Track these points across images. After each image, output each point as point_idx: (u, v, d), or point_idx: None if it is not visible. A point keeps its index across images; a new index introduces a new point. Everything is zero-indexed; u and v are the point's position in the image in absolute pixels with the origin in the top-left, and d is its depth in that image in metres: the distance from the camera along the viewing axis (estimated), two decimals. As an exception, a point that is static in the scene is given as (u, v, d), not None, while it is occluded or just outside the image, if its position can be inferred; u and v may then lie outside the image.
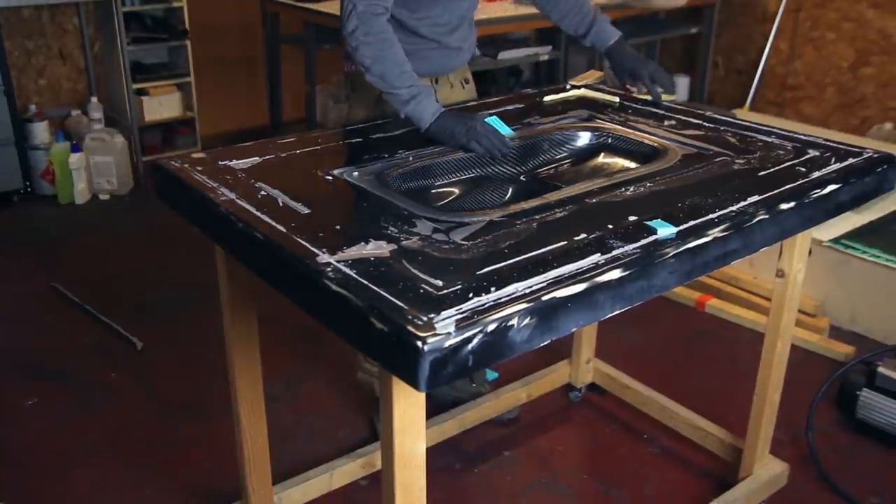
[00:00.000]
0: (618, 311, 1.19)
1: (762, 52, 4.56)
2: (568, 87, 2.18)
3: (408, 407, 1.15)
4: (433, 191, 1.63)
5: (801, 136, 1.79)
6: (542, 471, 2.20)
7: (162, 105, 4.41)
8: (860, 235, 2.88)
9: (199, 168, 1.54)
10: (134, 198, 4.18)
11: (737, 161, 1.62)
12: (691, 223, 1.32)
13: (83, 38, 4.37)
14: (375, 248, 1.21)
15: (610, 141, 1.84)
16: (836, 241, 2.85)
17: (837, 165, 1.60)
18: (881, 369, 2.25)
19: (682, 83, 5.07)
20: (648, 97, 2.03)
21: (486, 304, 1.05)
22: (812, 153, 1.68)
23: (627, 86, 2.05)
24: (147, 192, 4.22)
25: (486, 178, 1.71)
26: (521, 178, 1.75)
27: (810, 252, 2.11)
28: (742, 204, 1.40)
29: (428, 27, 1.93)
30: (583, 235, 1.26)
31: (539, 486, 2.14)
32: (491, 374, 2.49)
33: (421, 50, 1.93)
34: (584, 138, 1.86)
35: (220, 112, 4.76)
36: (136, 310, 3.01)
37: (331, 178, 1.52)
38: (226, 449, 2.24)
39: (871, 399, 2.26)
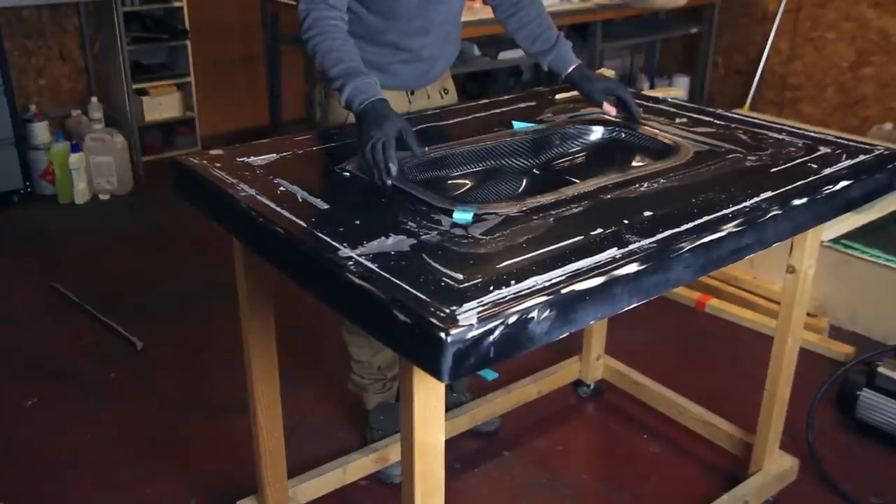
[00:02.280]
0: (635, 305, 1.21)
1: (762, 52, 4.59)
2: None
3: (428, 398, 1.17)
4: (448, 182, 1.64)
5: (812, 133, 1.81)
6: (543, 470, 2.20)
7: (162, 105, 4.41)
8: (860, 235, 2.89)
9: (218, 164, 1.55)
10: (134, 198, 4.17)
11: (749, 158, 1.63)
12: (706, 218, 1.33)
13: (83, 38, 4.36)
14: (396, 243, 1.22)
15: (623, 136, 1.84)
16: (836, 241, 2.87)
17: (849, 162, 1.62)
18: (881, 369, 2.26)
19: (683, 83, 5.09)
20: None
21: (506, 296, 1.07)
22: (823, 150, 1.69)
23: (606, 105, 1.91)
24: (147, 192, 4.22)
25: (500, 169, 1.72)
26: (535, 170, 1.75)
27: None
28: (755, 200, 1.41)
29: (398, 34, 1.84)
30: (599, 230, 1.27)
31: (540, 486, 2.15)
32: (491, 374, 2.48)
33: (392, 64, 1.87)
34: (597, 133, 1.87)
35: (220, 112, 4.77)
36: (136, 310, 3.00)
37: (348, 174, 1.53)
38: (226, 448, 2.25)
39: (871, 399, 2.27)
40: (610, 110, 1.92)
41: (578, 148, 1.85)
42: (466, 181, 1.67)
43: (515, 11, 2.00)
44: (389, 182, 1.42)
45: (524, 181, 1.71)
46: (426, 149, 1.57)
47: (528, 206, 1.37)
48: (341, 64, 1.60)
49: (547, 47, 1.98)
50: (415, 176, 1.56)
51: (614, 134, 1.86)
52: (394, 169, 1.42)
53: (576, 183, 1.51)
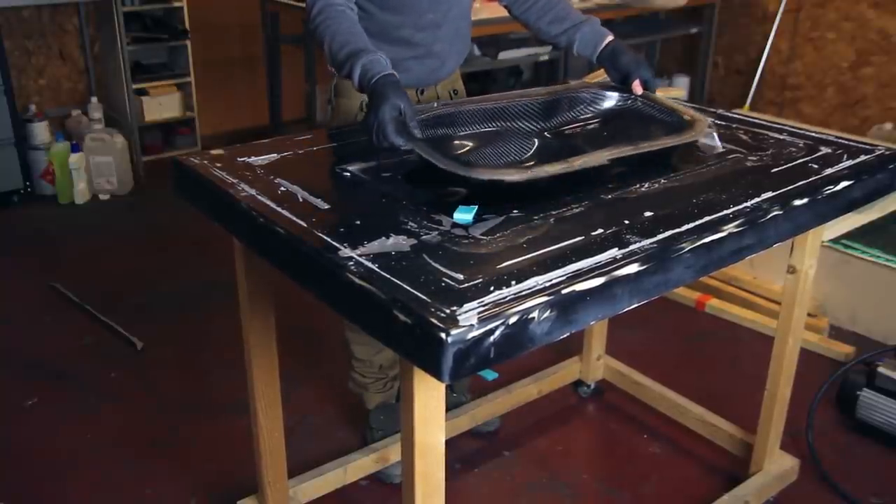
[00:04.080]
0: (635, 305, 1.21)
1: (762, 52, 4.58)
2: (580, 84, 2.19)
3: (428, 399, 1.17)
4: (455, 141, 1.62)
5: (813, 134, 1.81)
6: (543, 470, 2.20)
7: (162, 105, 4.41)
8: (860, 235, 2.89)
9: (219, 164, 1.55)
10: (134, 198, 4.17)
11: (749, 158, 1.63)
12: (706, 219, 1.33)
13: (83, 38, 4.37)
14: (396, 243, 1.22)
15: (638, 105, 1.82)
16: (836, 241, 2.87)
17: (850, 162, 1.62)
18: (881, 369, 2.26)
19: (683, 83, 5.09)
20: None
21: (506, 297, 1.06)
22: (824, 150, 1.69)
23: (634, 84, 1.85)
24: (147, 192, 4.22)
25: (508, 131, 1.70)
26: (545, 133, 1.74)
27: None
28: (756, 200, 1.41)
29: (411, 29, 1.84)
30: (600, 230, 1.27)
31: (540, 486, 2.15)
32: (491, 375, 2.48)
33: (405, 61, 1.86)
34: (611, 99, 1.85)
35: (220, 112, 4.77)
36: (136, 310, 3.00)
37: (349, 174, 1.53)
38: (226, 448, 2.25)
39: (871, 399, 2.27)
40: (637, 89, 1.84)
41: (591, 114, 1.83)
42: (472, 142, 1.65)
43: (533, 3, 1.96)
44: (401, 144, 1.43)
45: (532, 145, 1.68)
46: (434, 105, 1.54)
47: (528, 206, 1.37)
48: (347, 47, 1.60)
49: (569, 27, 1.91)
50: (420, 133, 1.52)
51: (629, 102, 1.84)
52: (401, 143, 1.42)
53: (585, 152, 1.48)
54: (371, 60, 1.53)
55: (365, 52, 1.55)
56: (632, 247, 1.22)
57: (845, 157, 1.65)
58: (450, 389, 2.29)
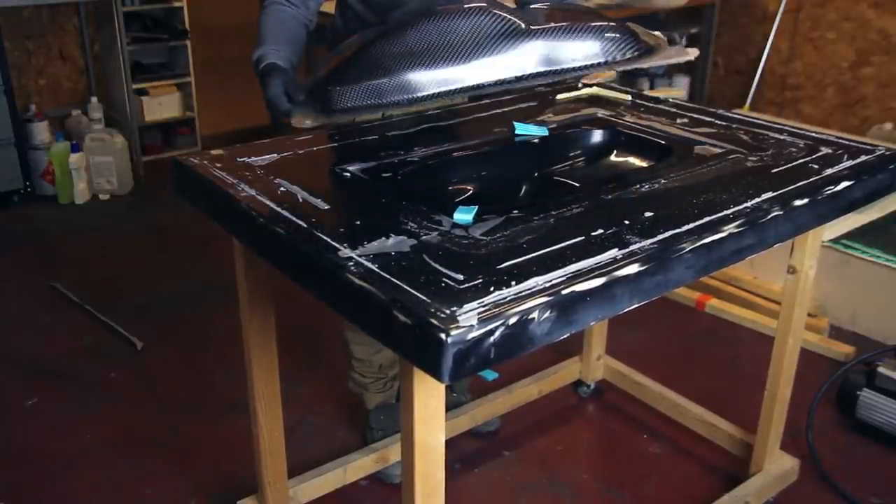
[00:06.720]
0: (636, 305, 1.21)
1: (762, 52, 4.58)
2: (580, 85, 2.18)
3: (428, 399, 1.17)
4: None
5: (813, 134, 1.80)
6: (543, 470, 2.20)
7: (162, 105, 4.42)
8: (860, 235, 2.89)
9: (219, 165, 1.55)
10: (134, 198, 4.17)
11: (750, 158, 1.63)
12: (707, 219, 1.33)
13: (83, 38, 4.37)
14: (396, 243, 1.22)
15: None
16: (836, 241, 2.86)
17: (850, 163, 1.61)
18: (881, 369, 2.26)
19: (683, 83, 5.08)
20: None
21: (507, 297, 1.06)
22: (824, 150, 1.69)
23: None
24: (147, 192, 4.23)
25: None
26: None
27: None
28: (756, 200, 1.41)
29: None
30: (600, 231, 1.27)
31: (540, 486, 2.15)
32: (491, 375, 2.48)
33: None
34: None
35: (220, 112, 4.77)
36: (136, 310, 3.00)
37: (348, 174, 1.53)
38: (226, 448, 2.25)
39: (871, 399, 2.27)
40: None
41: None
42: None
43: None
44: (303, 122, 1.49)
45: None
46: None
47: (528, 207, 1.37)
48: (259, 39, 1.71)
49: None
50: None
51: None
52: (291, 112, 1.51)
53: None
54: (265, 51, 1.65)
55: (263, 45, 1.67)
56: (632, 247, 1.22)
57: (845, 157, 1.65)
58: (450, 389, 2.29)
